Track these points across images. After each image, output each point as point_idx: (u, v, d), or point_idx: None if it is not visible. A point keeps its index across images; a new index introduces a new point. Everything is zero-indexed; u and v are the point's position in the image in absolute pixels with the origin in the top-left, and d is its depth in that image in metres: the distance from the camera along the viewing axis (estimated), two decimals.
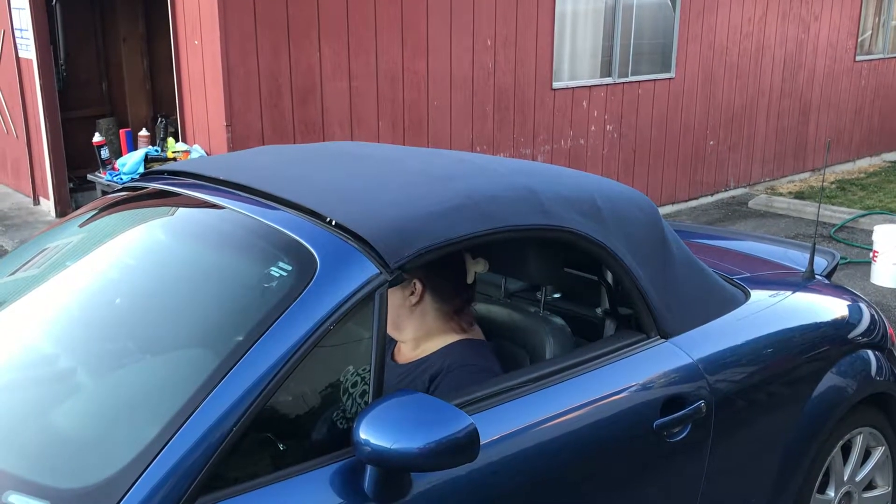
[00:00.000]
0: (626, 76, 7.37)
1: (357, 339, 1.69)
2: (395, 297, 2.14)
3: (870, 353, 2.65)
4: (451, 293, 2.12)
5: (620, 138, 7.48)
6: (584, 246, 2.06)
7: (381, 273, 1.67)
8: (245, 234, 1.81)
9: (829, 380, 2.51)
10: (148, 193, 2.17)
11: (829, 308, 2.68)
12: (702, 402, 2.09)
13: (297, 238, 1.71)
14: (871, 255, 6.17)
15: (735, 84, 8.41)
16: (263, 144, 5.19)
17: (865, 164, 10.59)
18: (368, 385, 1.62)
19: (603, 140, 7.34)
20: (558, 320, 2.25)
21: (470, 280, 2.15)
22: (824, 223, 7.74)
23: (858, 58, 9.95)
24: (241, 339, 1.55)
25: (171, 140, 5.27)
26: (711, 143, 8.37)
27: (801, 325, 2.51)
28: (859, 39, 9.92)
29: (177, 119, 5.47)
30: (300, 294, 1.59)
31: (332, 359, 1.67)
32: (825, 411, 2.47)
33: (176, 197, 2.05)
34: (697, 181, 8.37)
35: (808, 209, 8.05)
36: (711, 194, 8.59)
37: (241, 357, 1.51)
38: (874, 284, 6.06)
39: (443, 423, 1.47)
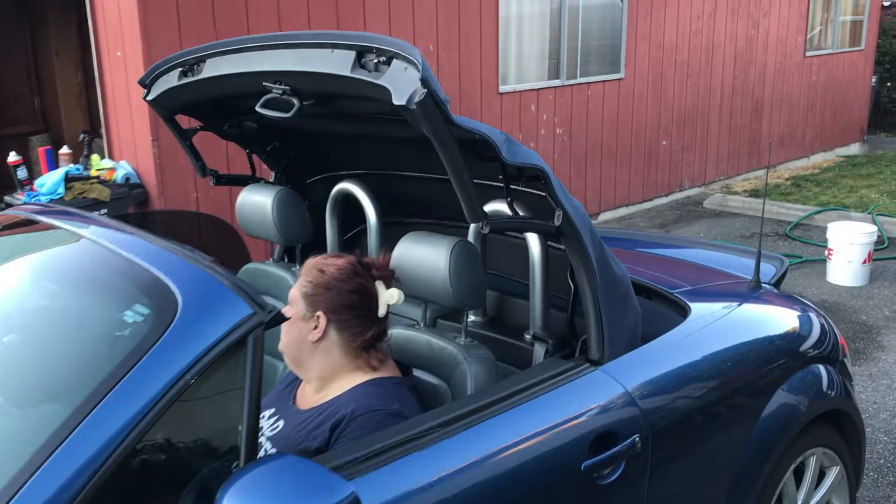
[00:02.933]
0: (575, 78, 7.22)
1: (232, 389, 1.46)
2: (296, 331, 1.92)
3: (821, 367, 2.49)
4: (359, 328, 1.90)
5: (571, 141, 7.32)
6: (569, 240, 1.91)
7: (255, 313, 1.44)
8: (103, 270, 1.58)
9: (779, 399, 2.33)
10: (12, 222, 1.93)
11: (776, 320, 2.51)
12: (636, 437, 1.89)
13: (157, 274, 1.49)
14: (826, 253, 6.07)
15: (686, 83, 8.30)
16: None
17: (819, 159, 10.57)
18: (239, 446, 1.40)
19: (553, 143, 7.17)
20: (481, 350, 2.04)
21: (382, 313, 1.93)
22: (780, 221, 7.65)
23: (808, 53, 9.92)
24: (85, 397, 1.32)
25: (95, 157, 4.98)
26: (664, 143, 8.25)
27: (746, 342, 2.33)
28: (809, 35, 9.89)
29: (102, 135, 5.19)
30: (154, 344, 1.36)
31: (201, 414, 1.44)
32: (775, 434, 2.29)
33: (37, 226, 1.81)
34: (651, 182, 8.25)
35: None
36: (666, 195, 8.47)
37: (83, 419, 1.28)
38: (830, 283, 5.96)
39: (318, 493, 1.26)
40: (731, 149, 9.11)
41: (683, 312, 2.37)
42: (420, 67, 1.60)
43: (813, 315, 2.65)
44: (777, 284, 2.91)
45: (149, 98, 2.42)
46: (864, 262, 5.86)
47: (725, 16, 8.57)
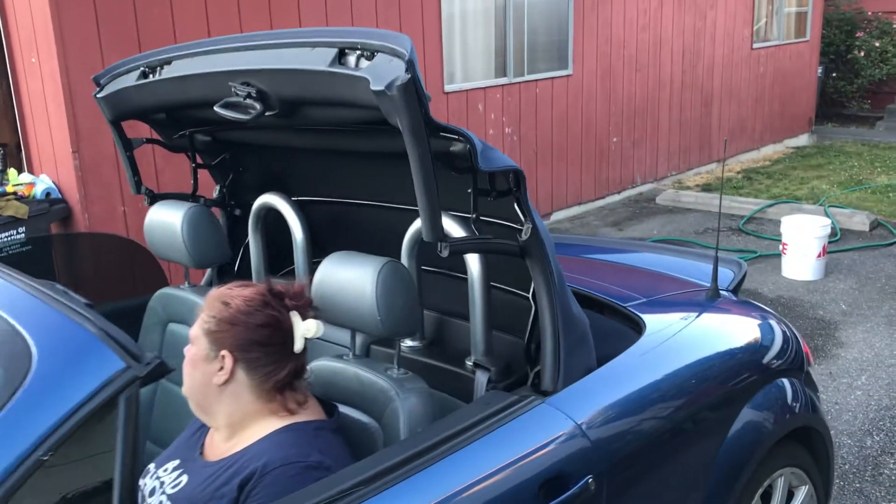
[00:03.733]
0: (523, 75, 7.04)
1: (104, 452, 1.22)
2: (199, 374, 1.68)
3: (786, 381, 2.31)
4: (272, 367, 1.66)
5: (520, 140, 7.14)
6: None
7: (128, 367, 1.20)
8: None
9: (744, 418, 2.15)
10: None
11: (737, 332, 2.33)
12: (589, 478, 1.69)
13: (9, 321, 1.24)
14: (780, 247, 5.97)
15: (635, 78, 8.18)
16: (118, 171, 4.63)
17: (770, 151, 10.56)
18: None
19: (502, 143, 6.98)
20: (416, 384, 1.82)
21: (298, 348, 1.70)
22: (732, 215, 7.56)
23: (755, 45, 9.89)
24: None
25: (12, 172, 4.65)
26: (615, 139, 8.12)
27: (706, 357, 2.15)
28: (755, 27, 9.85)
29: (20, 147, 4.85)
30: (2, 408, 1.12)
31: (66, 486, 1.20)
32: (741, 457, 2.11)
33: None
34: (603, 180, 8.11)
35: (715, 202, 7.87)
36: (619, 192, 8.34)
37: None
38: (786, 278, 5.86)
39: None
40: (682, 143, 9.02)
41: (638, 328, 2.18)
42: (407, 56, 1.50)
43: (774, 323, 2.48)
44: (736, 290, 2.74)
45: (100, 95, 2.23)
46: (819, 255, 5.78)
47: (672, 9, 8.46)
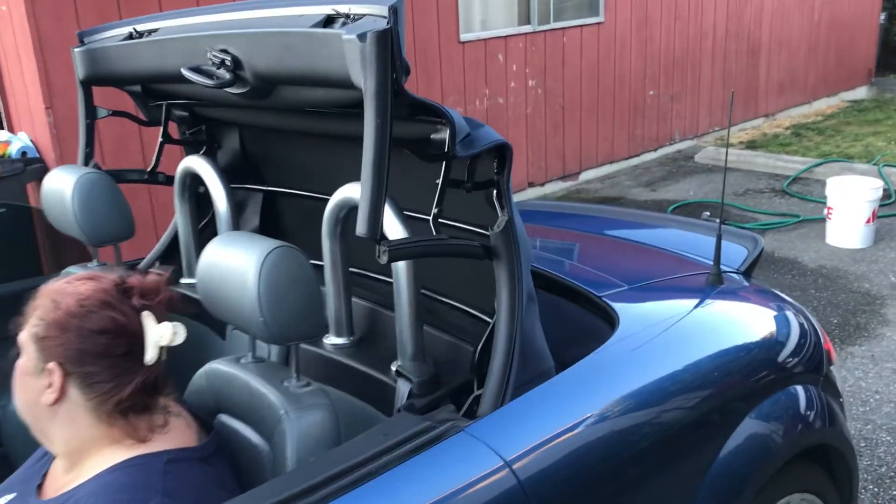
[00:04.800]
0: (548, 23, 6.53)
1: None
2: (27, 388, 1.34)
3: (799, 389, 1.90)
4: (112, 384, 1.31)
5: (546, 94, 6.66)
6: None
7: None
8: None
9: (742, 435, 1.75)
10: None
11: (739, 328, 1.91)
12: None
13: None
14: (825, 211, 5.44)
15: (674, 26, 7.59)
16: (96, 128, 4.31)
17: (822, 105, 9.85)
18: None
19: (525, 97, 6.51)
20: (316, 399, 1.46)
21: (150, 358, 1.34)
22: (777, 175, 7.00)
23: None
24: None
25: None
26: (651, 93, 7.57)
27: (695, 363, 1.74)
28: None
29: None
30: None
31: None
32: (736, 483, 1.72)
33: None
34: (638, 137, 7.59)
35: (759, 160, 7.31)
36: (654, 150, 7.82)
37: None
38: (830, 245, 5.34)
39: None
40: (726, 97, 8.41)
41: (611, 325, 1.78)
42: (391, 11, 1.32)
43: (791, 314, 2.05)
44: (749, 271, 2.31)
45: (78, 49, 2.05)
46: (868, 220, 5.23)
47: None
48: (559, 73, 6.71)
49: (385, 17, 1.32)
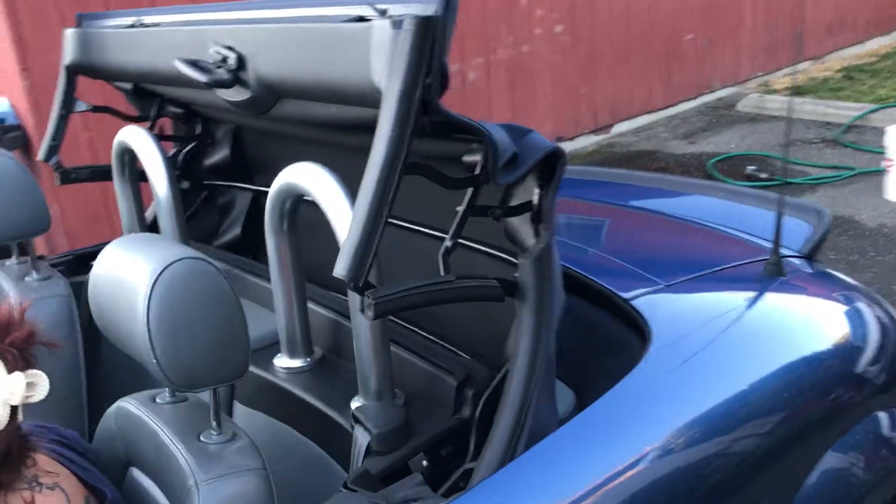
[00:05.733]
0: None
1: None
2: None
3: (884, 416, 1.48)
4: None
5: (573, 40, 6.15)
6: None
7: None
8: None
9: (822, 478, 1.36)
10: None
11: (808, 336, 1.50)
12: None
13: None
14: (883, 163, 4.92)
15: None
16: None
17: (876, 45, 9.15)
18: None
19: (552, 45, 6.01)
20: (238, 461, 1.10)
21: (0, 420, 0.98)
22: (828, 123, 6.45)
23: None
24: None
25: None
26: (689, 37, 7.01)
27: (752, 392, 1.34)
28: None
29: None
30: None
31: None
32: None
33: None
34: (675, 85, 7.05)
35: (808, 107, 6.74)
36: (693, 98, 7.28)
37: None
38: (891, 202, 4.84)
39: None
40: (770, 40, 7.80)
41: (643, 337, 1.38)
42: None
43: (865, 308, 1.63)
44: (814, 253, 1.88)
45: (71, 30, 1.85)
46: None
47: None
48: (588, 15, 6.20)
49: (433, 4, 1.03)
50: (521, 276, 1.18)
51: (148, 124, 1.93)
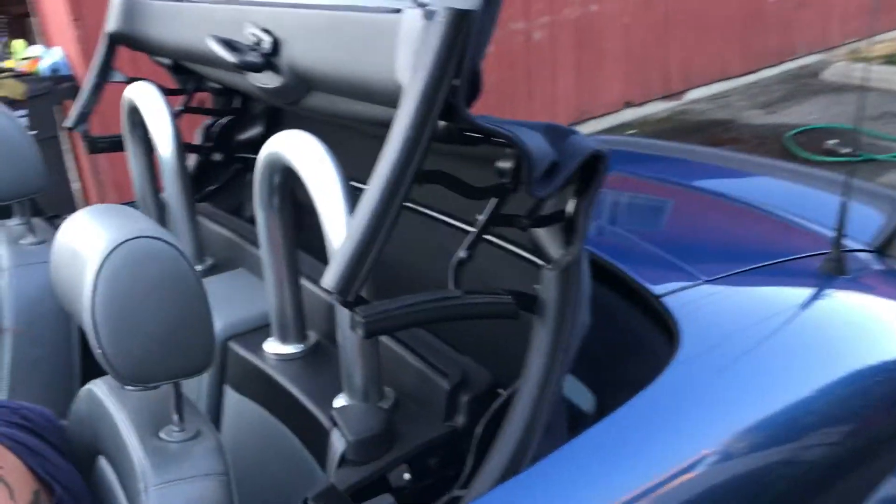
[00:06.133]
0: None
1: None
2: None
3: None
4: None
5: (647, 0, 5.84)
6: None
7: None
8: None
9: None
10: None
11: (864, 352, 1.30)
12: None
13: None
14: None
15: None
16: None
17: None
18: None
19: (623, 4, 5.72)
20: (202, 462, 0.99)
21: None
22: None
23: None
24: None
25: (17, 43, 4.03)
26: None
27: (788, 411, 1.16)
28: None
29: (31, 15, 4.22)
30: None
31: None
32: None
33: None
34: (755, 50, 6.66)
35: None
36: (775, 65, 6.87)
37: None
38: None
39: None
40: (864, 1, 7.29)
41: (671, 342, 1.22)
42: None
43: None
44: (886, 246, 1.66)
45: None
46: None
47: None
48: None
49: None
50: (542, 289, 1.05)
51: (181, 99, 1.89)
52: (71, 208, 3.97)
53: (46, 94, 3.85)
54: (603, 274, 1.35)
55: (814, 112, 5.94)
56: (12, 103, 3.74)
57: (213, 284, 1.58)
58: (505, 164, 1.01)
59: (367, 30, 1.04)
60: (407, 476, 1.04)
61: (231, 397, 1.38)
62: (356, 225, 0.88)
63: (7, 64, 3.93)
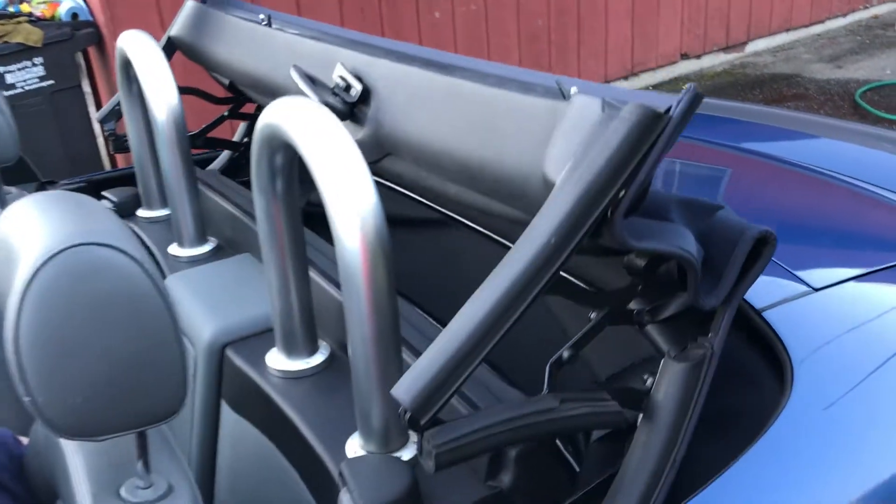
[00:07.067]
0: None
1: None
2: None
3: None
4: None
5: None
6: None
7: None
8: None
9: None
10: None
11: None
12: None
13: None
14: None
15: None
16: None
17: None
18: None
19: None
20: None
21: None
22: None
23: None
24: None
25: None
26: None
27: None
28: None
29: None
30: None
31: None
32: None
33: None
34: None
35: None
36: (844, 15, 6.40)
37: None
38: None
39: None
40: None
41: (781, 381, 0.95)
42: (689, 98, 0.74)
43: None
44: None
45: (192, 3, 1.68)
46: None
47: None
48: None
49: (669, 102, 0.74)
50: (660, 384, 0.82)
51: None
52: (96, 165, 3.75)
53: (66, 40, 3.61)
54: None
55: (886, 65, 5.51)
56: (28, 50, 3.52)
57: (212, 273, 1.34)
58: (639, 262, 0.84)
59: (509, 106, 0.90)
60: None
61: (229, 416, 1.14)
62: (454, 333, 0.72)
63: (24, 8, 3.69)
